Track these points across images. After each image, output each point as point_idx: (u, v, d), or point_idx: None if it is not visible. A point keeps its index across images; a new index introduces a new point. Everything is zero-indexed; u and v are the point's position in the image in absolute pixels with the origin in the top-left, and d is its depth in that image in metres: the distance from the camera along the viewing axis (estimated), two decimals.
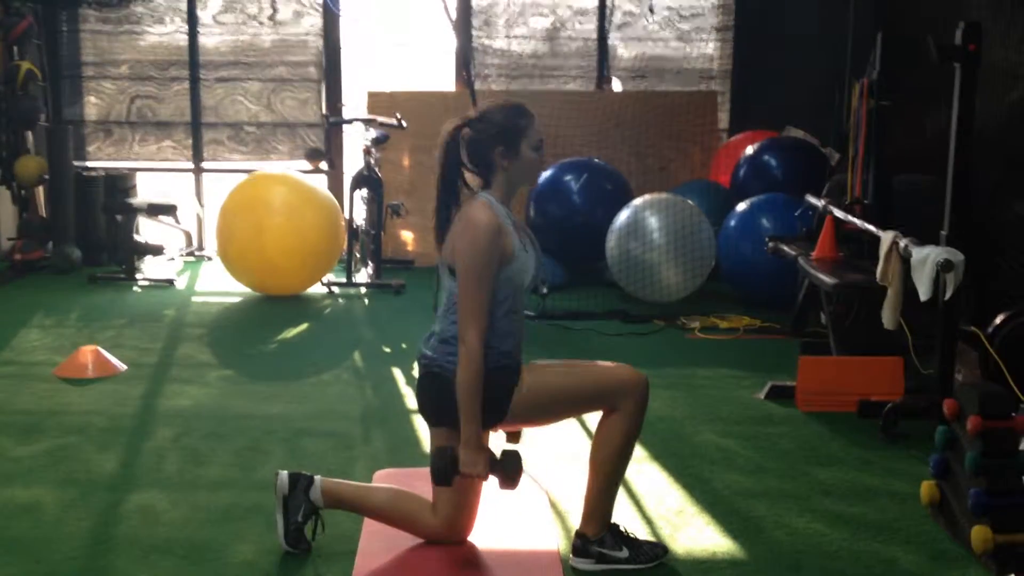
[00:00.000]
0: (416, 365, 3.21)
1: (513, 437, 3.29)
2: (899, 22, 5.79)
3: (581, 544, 3.18)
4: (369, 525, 3.38)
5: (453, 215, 3.09)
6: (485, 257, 2.95)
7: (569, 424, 4.32)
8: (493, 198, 3.06)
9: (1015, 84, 5.16)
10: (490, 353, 2.98)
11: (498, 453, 3.05)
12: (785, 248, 5.59)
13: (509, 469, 3.03)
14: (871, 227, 4.90)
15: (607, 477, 3.15)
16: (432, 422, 3.16)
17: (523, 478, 3.08)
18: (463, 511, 3.20)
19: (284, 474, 3.24)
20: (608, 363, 3.25)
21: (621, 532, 3.20)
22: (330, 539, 3.30)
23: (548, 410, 3.14)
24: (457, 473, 3.00)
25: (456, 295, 3.01)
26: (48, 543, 3.30)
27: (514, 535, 3.40)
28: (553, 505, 3.64)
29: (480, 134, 3.06)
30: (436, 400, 3.08)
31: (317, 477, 3.24)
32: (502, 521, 3.46)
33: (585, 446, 4.20)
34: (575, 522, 3.38)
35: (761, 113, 8.58)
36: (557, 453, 4.17)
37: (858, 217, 5.19)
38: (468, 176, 3.12)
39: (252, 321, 6.64)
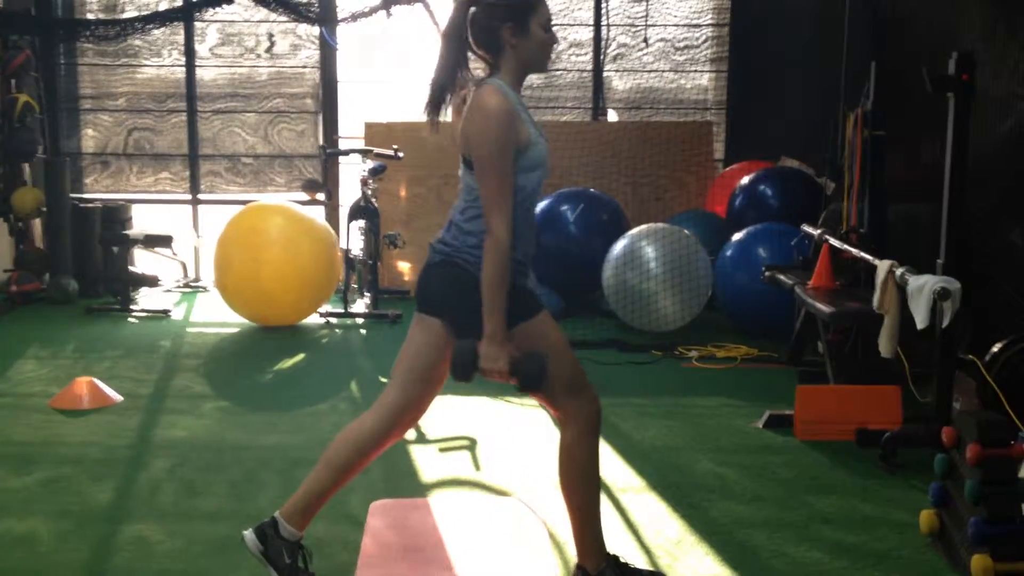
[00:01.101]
0: (430, 251, 3.05)
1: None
2: (893, 53, 5.83)
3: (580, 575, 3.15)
4: (365, 557, 3.35)
5: (448, 97, 2.97)
6: (501, 142, 2.84)
7: None
8: (503, 82, 2.93)
9: (1009, 113, 5.19)
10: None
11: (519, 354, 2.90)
12: (782, 277, 5.60)
13: (531, 369, 2.88)
14: (867, 256, 4.92)
15: (580, 506, 3.09)
16: (431, 308, 3.01)
17: (542, 381, 2.90)
18: (412, 402, 3.08)
19: (248, 533, 3.14)
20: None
21: (621, 563, 3.17)
22: (328, 570, 3.28)
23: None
24: (477, 368, 2.86)
25: (470, 185, 2.92)
26: (43, 574, 3.28)
27: (511, 565, 3.38)
28: (551, 536, 3.62)
29: (488, 10, 2.91)
30: (448, 289, 2.95)
31: (275, 514, 3.15)
32: (499, 551, 3.44)
33: None
34: (573, 552, 3.36)
35: (756, 143, 8.62)
36: (555, 481, 4.14)
37: (854, 246, 5.21)
38: (473, 57, 2.97)
39: (248, 352, 6.63)
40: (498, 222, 2.83)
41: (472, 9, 2.94)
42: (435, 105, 2.99)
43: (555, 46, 3.07)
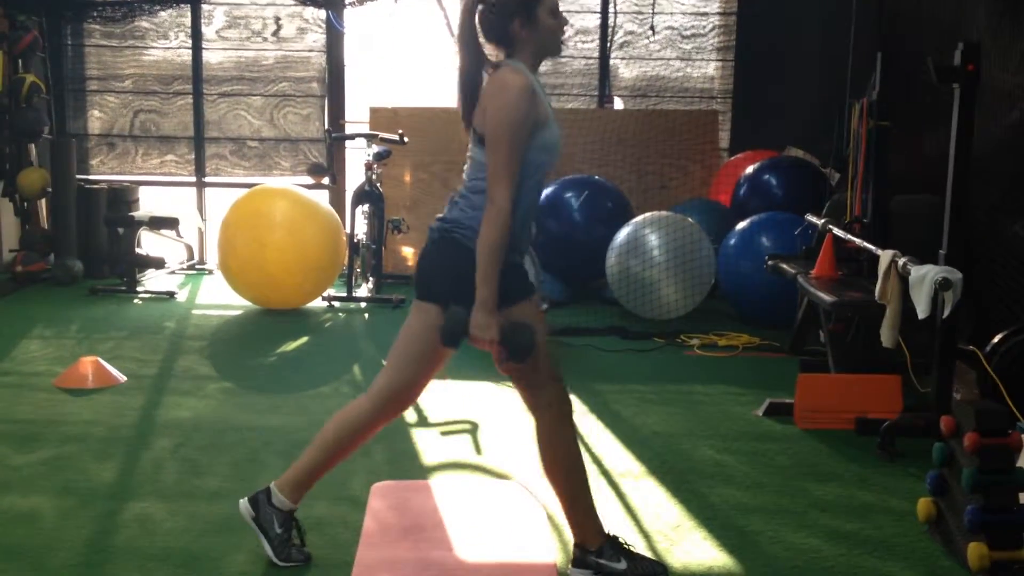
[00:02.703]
0: (428, 234, 3.07)
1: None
2: (899, 43, 5.83)
3: (580, 554, 3.18)
4: (366, 537, 3.38)
5: (479, 88, 3.00)
6: (519, 117, 2.86)
7: None
8: (523, 65, 2.97)
9: (1013, 105, 5.19)
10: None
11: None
12: (784, 266, 5.61)
13: (521, 340, 2.88)
14: (870, 246, 4.93)
15: (568, 491, 3.13)
16: (429, 294, 3.03)
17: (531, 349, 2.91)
18: (408, 382, 3.11)
19: (243, 501, 3.24)
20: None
21: (620, 544, 3.20)
22: (327, 549, 3.31)
23: None
24: (466, 335, 2.87)
25: (479, 161, 2.94)
26: (46, 551, 3.31)
27: (511, 547, 3.40)
28: (550, 518, 3.65)
29: (494, 8, 2.95)
30: (446, 269, 2.97)
31: (270, 484, 3.23)
32: (499, 533, 3.47)
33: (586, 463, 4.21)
34: (572, 534, 3.40)
35: (762, 133, 8.62)
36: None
37: (857, 236, 5.22)
38: (489, 51, 3.01)
39: (252, 334, 6.66)
40: (502, 192, 2.85)
41: (480, 8, 2.98)
42: (469, 111, 3.03)
43: (565, 29, 3.09)
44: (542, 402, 3.09)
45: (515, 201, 2.89)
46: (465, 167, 3.07)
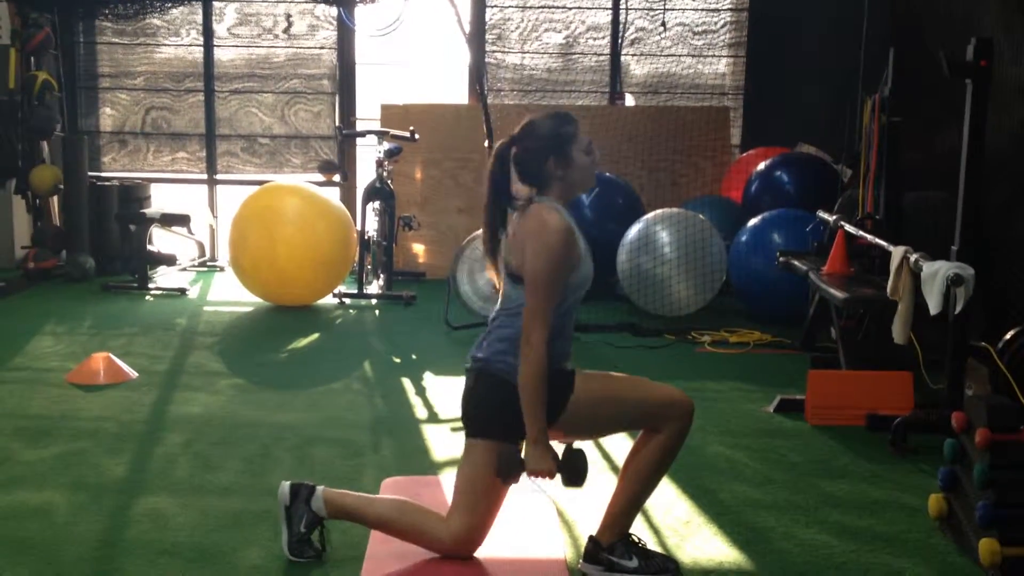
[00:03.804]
0: (467, 372, 3.15)
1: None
2: (911, 39, 5.81)
3: (592, 549, 3.18)
4: (378, 532, 3.38)
5: (501, 233, 3.07)
6: (560, 261, 2.91)
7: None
8: (558, 203, 3.02)
9: None
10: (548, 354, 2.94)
11: (560, 452, 3.01)
12: (796, 263, 5.60)
13: (575, 466, 2.98)
14: (882, 242, 4.92)
15: (635, 492, 3.14)
16: (475, 431, 3.10)
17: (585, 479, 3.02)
18: (481, 521, 3.15)
19: (286, 484, 3.24)
20: (654, 382, 3.20)
21: (634, 542, 3.19)
22: (338, 545, 3.31)
23: (594, 418, 3.09)
24: (522, 470, 2.95)
25: (513, 298, 3.00)
26: (59, 545, 3.32)
27: (522, 544, 3.40)
28: (561, 514, 3.65)
29: (530, 149, 3.03)
30: (492, 406, 3.03)
31: (319, 487, 3.23)
32: (510, 530, 3.47)
33: (596, 459, 4.22)
34: (583, 531, 3.40)
35: (773, 129, 8.61)
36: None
37: (869, 232, 5.20)
38: (517, 188, 3.07)
39: (263, 331, 6.67)
40: (538, 334, 2.90)
41: (513, 150, 3.04)
42: (494, 247, 3.11)
43: (598, 164, 3.16)
44: (662, 426, 3.08)
45: (553, 328, 2.94)
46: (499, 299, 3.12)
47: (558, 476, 3.00)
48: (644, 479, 3.12)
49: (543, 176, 3.04)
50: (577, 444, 3.10)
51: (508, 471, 2.98)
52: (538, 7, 8.93)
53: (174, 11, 8.96)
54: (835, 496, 3.87)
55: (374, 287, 7.61)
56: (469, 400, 3.12)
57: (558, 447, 3.03)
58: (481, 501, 3.12)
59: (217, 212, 9.13)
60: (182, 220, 8.16)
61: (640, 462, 3.12)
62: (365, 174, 8.64)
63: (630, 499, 3.15)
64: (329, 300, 7.39)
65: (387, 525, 3.22)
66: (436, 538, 3.17)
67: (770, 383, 5.36)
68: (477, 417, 3.10)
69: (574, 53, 9.13)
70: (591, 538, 3.19)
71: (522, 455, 2.97)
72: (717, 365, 5.85)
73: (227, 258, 7.71)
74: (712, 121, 8.80)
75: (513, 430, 2.98)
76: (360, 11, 8.87)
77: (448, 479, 3.98)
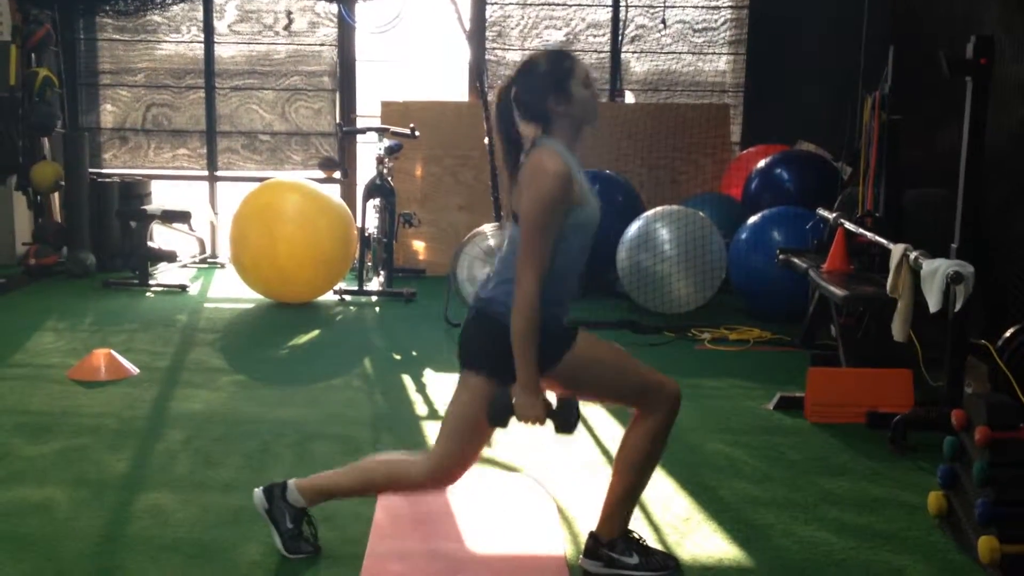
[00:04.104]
0: (469, 309, 3.13)
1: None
2: (911, 36, 5.81)
3: (592, 545, 3.19)
4: (377, 529, 3.40)
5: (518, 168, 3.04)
6: (552, 204, 2.89)
7: (579, 431, 4.31)
8: (560, 145, 3.00)
9: None
10: (545, 298, 2.92)
11: (553, 401, 2.99)
12: (796, 261, 5.60)
13: (566, 415, 2.96)
14: (882, 240, 4.92)
15: (630, 482, 3.15)
16: (470, 364, 3.06)
17: (577, 426, 2.99)
18: (460, 453, 3.11)
19: (258, 491, 3.26)
20: (650, 367, 3.21)
21: (634, 539, 3.20)
22: (338, 542, 3.32)
23: (588, 378, 3.07)
24: (512, 415, 2.94)
25: (515, 239, 2.97)
26: (59, 541, 3.33)
27: (521, 540, 3.41)
28: (561, 511, 3.66)
29: (529, 88, 3.00)
30: (483, 342, 3.01)
31: (289, 481, 3.24)
32: (509, 526, 3.48)
33: (595, 454, 4.23)
34: (582, 528, 3.40)
35: (773, 127, 8.60)
36: (566, 460, 4.18)
37: (869, 230, 5.21)
38: (523, 128, 3.05)
39: (264, 327, 6.68)
40: (530, 278, 2.89)
41: (513, 90, 3.03)
42: (513, 182, 3.06)
43: (599, 97, 3.11)
44: (648, 410, 3.09)
45: (553, 271, 2.93)
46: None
47: (549, 423, 2.97)
48: (637, 468, 3.13)
49: (545, 114, 3.00)
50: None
51: (498, 415, 2.96)
52: (538, 4, 8.93)
53: (175, 8, 8.96)
54: (835, 493, 3.88)
55: (374, 284, 7.62)
56: (466, 335, 3.10)
57: (552, 397, 3.01)
58: (463, 434, 3.09)
59: (218, 209, 9.14)
60: (183, 217, 8.16)
61: (631, 451, 3.12)
62: (365, 171, 8.64)
63: (626, 489, 3.16)
64: (329, 297, 7.39)
65: (365, 487, 3.21)
66: (413, 479, 3.14)
67: (770, 380, 5.37)
68: (470, 350, 3.07)
69: (574, 50, 9.08)
70: (591, 534, 3.20)
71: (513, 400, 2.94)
72: (717, 362, 5.86)
73: (228, 255, 7.71)
74: (712, 118, 8.81)
75: (504, 369, 2.94)
76: (360, 8, 8.88)
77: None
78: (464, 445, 3.10)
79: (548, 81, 2.99)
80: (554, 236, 2.92)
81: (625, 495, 3.16)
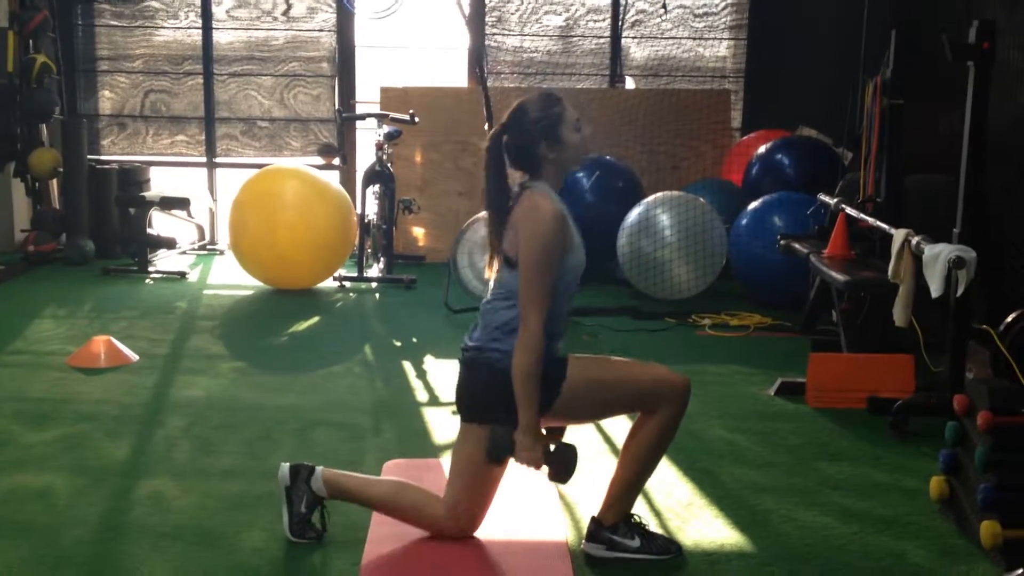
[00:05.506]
0: (459, 360, 3.15)
1: (553, 434, 3.23)
2: (913, 20, 5.78)
3: (594, 529, 3.19)
4: (379, 515, 3.39)
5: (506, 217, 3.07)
6: (551, 245, 2.93)
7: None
8: (548, 188, 3.04)
9: None
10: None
11: (551, 446, 3.03)
12: (797, 246, 5.59)
13: (564, 461, 3.00)
14: (883, 225, 4.90)
15: (635, 473, 3.15)
16: (469, 417, 3.10)
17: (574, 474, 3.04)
18: (476, 503, 3.17)
19: (285, 466, 3.25)
20: (648, 363, 3.22)
21: (636, 523, 3.21)
22: (340, 527, 3.31)
23: (589, 403, 3.10)
24: (510, 454, 2.97)
25: (506, 283, 3.01)
26: (59, 528, 3.32)
27: (523, 526, 3.41)
28: (562, 496, 3.65)
29: (521, 136, 3.03)
30: (484, 395, 3.04)
31: (319, 468, 3.24)
32: (511, 512, 3.47)
33: (596, 441, 4.23)
34: (584, 513, 3.40)
35: (774, 112, 8.58)
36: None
37: (870, 215, 5.19)
38: (512, 173, 3.09)
39: (264, 314, 6.67)
40: (535, 319, 2.91)
41: (504, 138, 3.05)
42: (499, 232, 3.07)
43: (588, 140, 3.14)
44: (658, 409, 3.09)
45: (552, 310, 2.96)
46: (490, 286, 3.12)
47: (545, 468, 3.01)
48: (643, 460, 3.13)
49: (535, 160, 3.05)
50: (570, 439, 3.12)
51: (497, 454, 2.99)
52: None
53: None
54: (836, 479, 3.88)
55: (374, 270, 7.60)
56: (462, 389, 3.14)
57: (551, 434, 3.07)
58: (476, 483, 3.13)
59: (216, 195, 9.11)
60: (182, 203, 8.13)
61: (638, 443, 3.13)
62: (365, 157, 8.61)
63: (630, 480, 3.16)
64: (329, 283, 7.38)
65: (387, 506, 3.23)
66: (435, 519, 3.19)
67: (771, 366, 5.36)
68: (471, 405, 3.11)
69: (574, 36, 9.09)
70: (593, 518, 3.20)
71: (514, 439, 2.98)
72: (718, 348, 5.85)
73: (227, 241, 7.69)
74: (713, 104, 8.78)
75: (507, 417, 2.98)
76: None
77: (449, 462, 3.98)
78: (479, 493, 3.16)
79: (539, 128, 3.02)
80: (554, 276, 2.96)
81: (629, 485, 3.17)
